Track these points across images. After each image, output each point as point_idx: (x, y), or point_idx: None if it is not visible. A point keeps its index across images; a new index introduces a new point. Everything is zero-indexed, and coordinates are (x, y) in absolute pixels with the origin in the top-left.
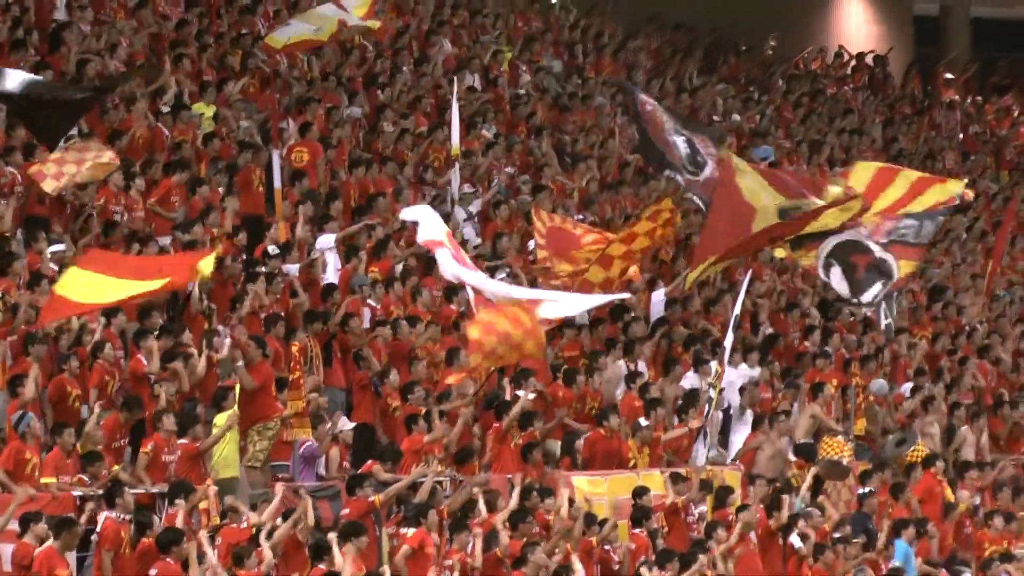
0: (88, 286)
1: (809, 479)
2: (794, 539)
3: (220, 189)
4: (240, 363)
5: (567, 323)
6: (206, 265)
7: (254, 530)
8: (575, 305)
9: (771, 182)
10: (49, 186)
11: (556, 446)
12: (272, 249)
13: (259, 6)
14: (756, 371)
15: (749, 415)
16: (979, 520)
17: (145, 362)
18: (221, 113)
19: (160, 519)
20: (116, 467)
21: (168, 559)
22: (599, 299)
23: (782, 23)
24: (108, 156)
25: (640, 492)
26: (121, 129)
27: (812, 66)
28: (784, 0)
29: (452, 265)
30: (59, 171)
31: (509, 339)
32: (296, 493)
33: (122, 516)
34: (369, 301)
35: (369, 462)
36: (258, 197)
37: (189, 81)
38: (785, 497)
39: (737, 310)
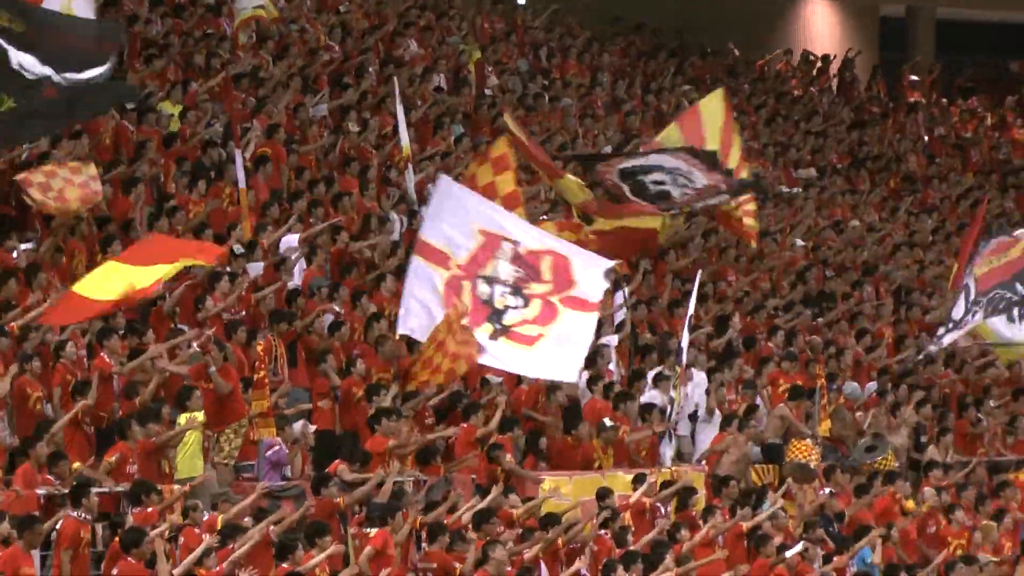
0: (106, 280)
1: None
2: (789, 553)
3: (185, 191)
4: (212, 368)
5: None
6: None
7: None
8: (516, 364)
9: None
10: (35, 195)
11: None
12: (237, 248)
13: (223, 7)
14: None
15: (717, 416)
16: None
17: (110, 361)
18: (188, 114)
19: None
20: (77, 464)
21: (129, 559)
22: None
23: (747, 25)
24: (96, 186)
25: (604, 493)
26: (81, 129)
27: (777, 67)
28: (749, 2)
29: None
30: (47, 183)
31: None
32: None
33: (84, 516)
34: (332, 306)
35: (335, 462)
36: (227, 214)
37: (154, 82)
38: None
39: (691, 311)
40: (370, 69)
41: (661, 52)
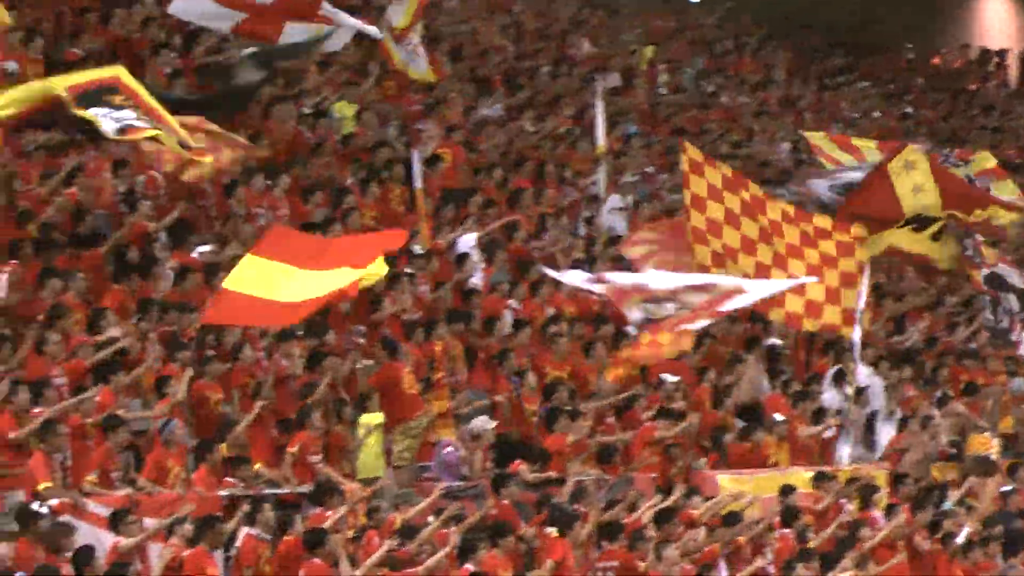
0: (262, 277)
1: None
2: (960, 539)
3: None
4: (359, 365)
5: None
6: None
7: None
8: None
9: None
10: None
11: None
12: (417, 249)
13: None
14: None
15: (897, 415)
16: None
17: (285, 364)
18: (362, 116)
19: (302, 519)
20: (258, 464)
21: (315, 559)
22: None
23: (922, 21)
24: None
25: (787, 491)
26: (261, 131)
27: (954, 64)
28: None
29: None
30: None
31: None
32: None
33: (262, 534)
34: (511, 303)
35: (516, 462)
36: (397, 216)
37: (328, 86)
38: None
39: (861, 304)
40: (543, 69)
41: (836, 49)
